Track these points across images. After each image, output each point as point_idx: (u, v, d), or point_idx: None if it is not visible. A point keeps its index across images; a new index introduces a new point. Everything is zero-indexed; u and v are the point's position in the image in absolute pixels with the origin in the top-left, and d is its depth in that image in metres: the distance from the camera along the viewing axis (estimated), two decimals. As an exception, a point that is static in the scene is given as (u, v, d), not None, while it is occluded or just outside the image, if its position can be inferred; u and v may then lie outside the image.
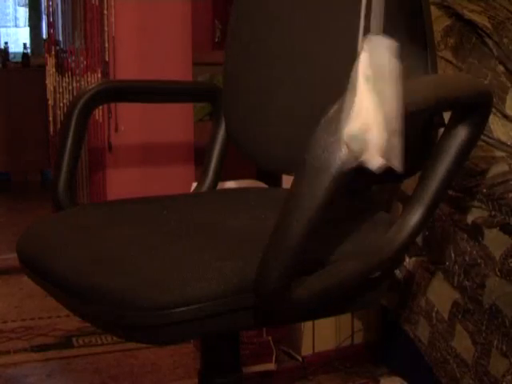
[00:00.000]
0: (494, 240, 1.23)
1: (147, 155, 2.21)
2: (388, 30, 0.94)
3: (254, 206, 0.99)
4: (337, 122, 0.62)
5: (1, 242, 2.97)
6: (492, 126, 1.44)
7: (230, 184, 1.73)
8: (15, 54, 5.00)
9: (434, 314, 1.39)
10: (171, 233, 0.82)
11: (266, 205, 0.99)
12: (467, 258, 1.29)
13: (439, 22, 1.54)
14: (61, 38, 2.49)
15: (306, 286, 0.70)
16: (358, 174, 0.66)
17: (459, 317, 1.32)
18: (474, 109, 0.81)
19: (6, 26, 5.79)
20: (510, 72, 1.52)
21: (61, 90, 2.42)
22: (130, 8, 2.12)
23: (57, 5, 2.47)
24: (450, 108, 0.83)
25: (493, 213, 1.23)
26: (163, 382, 1.68)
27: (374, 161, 0.61)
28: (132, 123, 2.16)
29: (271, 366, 1.68)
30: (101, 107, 2.11)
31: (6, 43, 5.04)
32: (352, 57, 1.00)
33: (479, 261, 1.26)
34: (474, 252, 1.27)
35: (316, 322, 1.73)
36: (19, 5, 5.80)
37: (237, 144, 1.20)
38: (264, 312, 0.70)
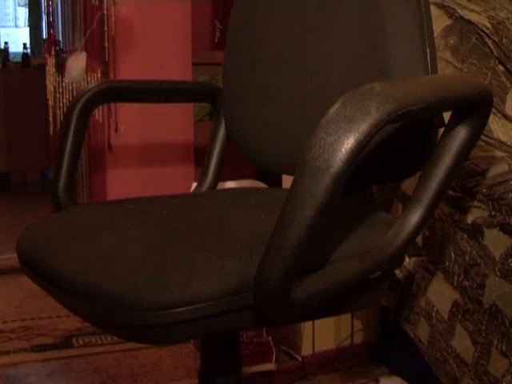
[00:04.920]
0: (494, 240, 1.23)
1: (147, 155, 2.21)
2: (388, 31, 0.94)
3: (254, 206, 0.99)
4: (336, 122, 0.62)
5: (1, 242, 2.97)
6: (492, 126, 1.44)
7: (230, 184, 1.73)
8: (15, 54, 5.00)
9: (433, 314, 1.39)
10: (171, 233, 0.82)
11: (266, 205, 0.99)
12: (467, 258, 1.29)
13: (439, 22, 1.54)
14: (61, 38, 2.49)
15: (306, 286, 0.70)
16: (358, 173, 0.66)
17: (459, 317, 1.32)
18: (474, 109, 0.81)
19: (5, 26, 5.79)
20: (509, 72, 1.52)
21: (61, 90, 2.42)
22: (130, 8, 2.12)
23: (57, 5, 2.47)
24: (450, 108, 0.83)
25: (493, 213, 1.23)
26: (163, 381, 1.68)
27: None
28: (132, 123, 2.16)
29: (271, 366, 1.68)
30: (101, 107, 2.11)
31: (6, 43, 5.05)
32: (350, 59, 1.00)
33: (479, 261, 1.26)
34: (474, 252, 1.27)
35: (316, 321, 1.73)
36: (19, 5, 5.80)
37: (236, 144, 1.20)
38: (264, 312, 0.70)
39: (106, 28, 2.08)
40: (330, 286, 0.73)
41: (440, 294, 1.37)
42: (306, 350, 1.73)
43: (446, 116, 0.85)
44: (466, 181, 1.30)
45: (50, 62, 2.48)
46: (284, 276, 0.65)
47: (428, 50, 0.91)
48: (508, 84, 1.51)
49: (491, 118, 1.44)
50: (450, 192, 1.33)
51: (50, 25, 2.48)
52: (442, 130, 0.86)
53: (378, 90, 0.65)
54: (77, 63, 0.93)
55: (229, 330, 0.75)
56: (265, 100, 1.14)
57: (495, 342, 1.22)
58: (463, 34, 1.54)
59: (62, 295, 0.79)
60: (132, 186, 2.17)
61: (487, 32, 1.54)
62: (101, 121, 2.15)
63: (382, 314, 1.72)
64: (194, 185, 1.25)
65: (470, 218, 1.29)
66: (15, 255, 0.91)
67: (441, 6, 1.57)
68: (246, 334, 1.66)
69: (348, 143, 0.60)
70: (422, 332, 1.43)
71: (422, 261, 1.42)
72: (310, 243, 0.64)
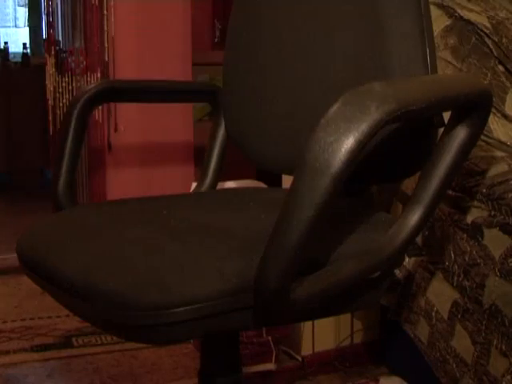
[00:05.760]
0: (494, 240, 1.23)
1: (147, 155, 2.21)
2: (388, 31, 0.94)
3: (254, 206, 0.99)
4: (336, 122, 0.62)
5: (1, 242, 2.97)
6: (492, 126, 1.44)
7: (230, 184, 1.73)
8: (15, 54, 5.00)
9: (433, 314, 1.39)
10: (171, 233, 0.82)
11: (266, 205, 0.99)
12: (467, 258, 1.29)
13: (439, 22, 1.54)
14: (61, 38, 2.49)
15: (306, 286, 0.70)
16: (358, 173, 0.66)
17: (459, 316, 1.32)
18: (474, 109, 0.81)
19: (5, 26, 5.79)
20: (509, 72, 1.52)
21: (61, 89, 2.42)
22: (130, 8, 2.12)
23: (56, 5, 2.47)
24: (450, 108, 0.83)
25: (493, 213, 1.23)
26: (163, 381, 1.68)
27: None
28: (132, 123, 2.16)
29: (271, 366, 1.68)
30: (101, 107, 2.11)
31: (5, 43, 5.04)
32: (350, 58, 1.00)
33: (479, 261, 1.26)
34: (474, 252, 1.27)
35: (316, 321, 1.73)
36: (19, 5, 5.80)
37: (237, 144, 1.20)
38: (264, 312, 0.70)
39: (105, 28, 2.08)
40: (330, 285, 0.73)
41: (440, 294, 1.37)
42: (306, 349, 1.73)
43: (446, 116, 0.85)
44: (465, 181, 1.30)
45: (50, 62, 2.48)
46: (284, 276, 0.65)
47: (428, 50, 0.91)
48: (508, 84, 1.51)
49: (491, 118, 1.44)
50: (450, 192, 1.33)
51: (49, 25, 2.48)
52: (441, 129, 0.86)
53: (378, 90, 0.65)
54: None
55: (229, 330, 0.75)
56: (264, 100, 1.14)
57: (495, 342, 1.22)
58: (463, 34, 1.54)
59: (61, 295, 0.79)
60: (132, 186, 2.17)
61: (487, 32, 1.54)
62: (101, 121, 2.15)
63: (382, 314, 1.72)
64: (194, 185, 1.25)
65: (469, 218, 1.29)
66: (15, 255, 0.91)
67: (441, 6, 1.57)
68: (245, 334, 1.66)
69: (348, 143, 0.60)
70: (421, 332, 1.43)
71: (422, 261, 1.42)
72: (309, 243, 0.64)
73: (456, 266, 1.32)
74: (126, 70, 2.12)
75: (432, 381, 1.40)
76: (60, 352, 1.84)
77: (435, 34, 1.49)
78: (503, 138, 1.43)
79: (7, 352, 1.84)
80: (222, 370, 1.00)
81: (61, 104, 2.43)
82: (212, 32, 2.83)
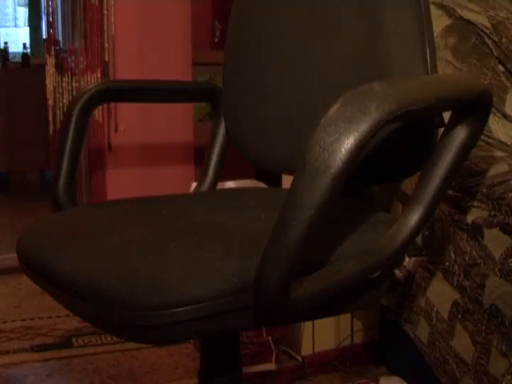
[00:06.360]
0: (494, 240, 1.23)
1: (147, 155, 2.21)
2: (388, 30, 0.94)
3: (254, 206, 0.99)
4: (336, 122, 0.62)
5: (0, 242, 2.97)
6: (492, 126, 1.44)
7: (230, 184, 1.73)
8: (15, 54, 5.00)
9: (433, 314, 1.39)
10: (171, 233, 0.82)
11: (266, 205, 0.99)
12: (467, 258, 1.29)
13: (439, 22, 1.54)
14: (61, 38, 2.49)
15: (306, 286, 0.70)
16: (358, 173, 0.66)
17: (459, 317, 1.32)
18: (474, 109, 0.81)
19: (5, 26, 5.79)
20: (509, 72, 1.52)
21: (61, 89, 2.42)
22: (129, 8, 2.12)
23: (57, 5, 2.47)
24: (450, 108, 0.83)
25: (493, 213, 1.23)
26: (163, 381, 1.68)
27: None
28: (132, 123, 2.16)
29: (271, 366, 1.68)
30: (101, 107, 2.11)
31: (5, 43, 5.04)
32: (349, 58, 1.00)
33: (479, 261, 1.26)
34: (474, 252, 1.27)
35: (316, 321, 1.73)
36: (19, 5, 5.80)
37: (236, 144, 1.20)
38: (264, 312, 0.70)
39: (105, 28, 2.08)
40: (330, 285, 0.73)
41: (440, 294, 1.37)
42: (306, 349, 1.73)
43: (446, 116, 0.85)
44: (466, 181, 1.30)
45: (50, 61, 2.48)
46: (284, 276, 0.65)
47: (428, 50, 0.91)
48: (508, 84, 1.51)
49: (491, 118, 1.44)
50: (450, 192, 1.33)
51: (49, 25, 2.48)
52: (441, 129, 0.86)
53: (378, 90, 0.65)
54: None
55: (229, 330, 0.75)
56: (265, 100, 1.14)
57: (495, 342, 1.22)
58: (463, 34, 1.54)
59: (61, 295, 0.79)
60: (132, 186, 2.17)
61: (487, 32, 1.54)
62: (101, 121, 2.15)
63: (382, 314, 1.72)
64: (194, 185, 1.25)
65: (469, 218, 1.29)
66: (15, 255, 0.91)
67: (441, 6, 1.57)
68: (245, 334, 1.66)
69: (348, 143, 0.60)
70: (421, 332, 1.43)
71: (422, 261, 1.42)
72: (309, 243, 0.64)
73: (456, 266, 1.32)
74: (126, 70, 2.12)
75: (432, 381, 1.40)
76: (60, 352, 1.85)
77: (435, 34, 1.49)
78: (503, 138, 1.43)
79: (7, 352, 1.84)
80: (221, 370, 1.00)
81: (61, 104, 2.43)
82: (212, 32, 2.83)
